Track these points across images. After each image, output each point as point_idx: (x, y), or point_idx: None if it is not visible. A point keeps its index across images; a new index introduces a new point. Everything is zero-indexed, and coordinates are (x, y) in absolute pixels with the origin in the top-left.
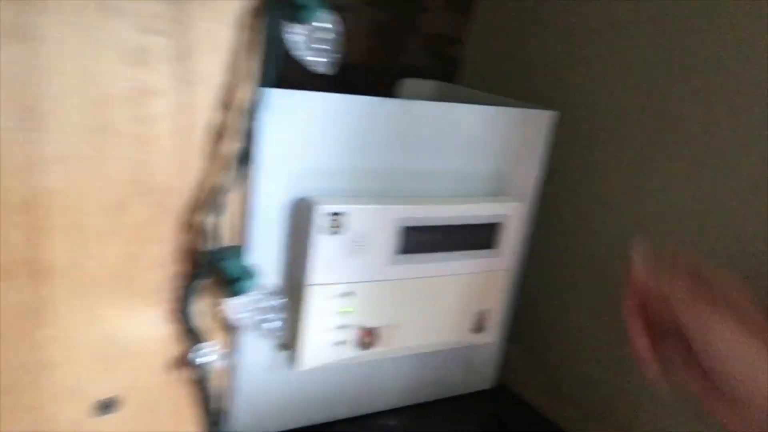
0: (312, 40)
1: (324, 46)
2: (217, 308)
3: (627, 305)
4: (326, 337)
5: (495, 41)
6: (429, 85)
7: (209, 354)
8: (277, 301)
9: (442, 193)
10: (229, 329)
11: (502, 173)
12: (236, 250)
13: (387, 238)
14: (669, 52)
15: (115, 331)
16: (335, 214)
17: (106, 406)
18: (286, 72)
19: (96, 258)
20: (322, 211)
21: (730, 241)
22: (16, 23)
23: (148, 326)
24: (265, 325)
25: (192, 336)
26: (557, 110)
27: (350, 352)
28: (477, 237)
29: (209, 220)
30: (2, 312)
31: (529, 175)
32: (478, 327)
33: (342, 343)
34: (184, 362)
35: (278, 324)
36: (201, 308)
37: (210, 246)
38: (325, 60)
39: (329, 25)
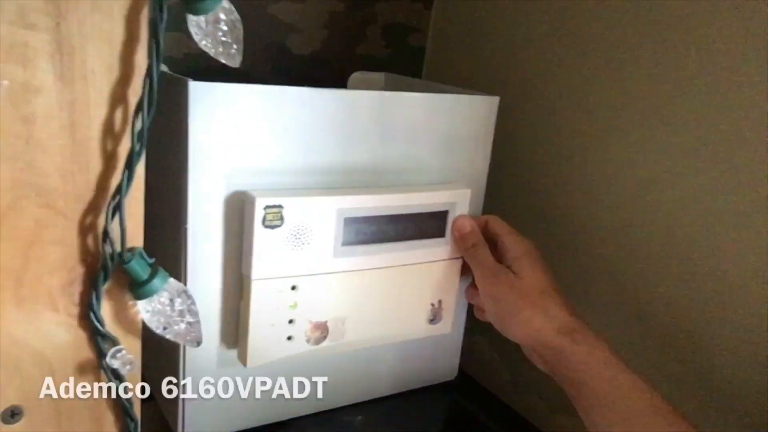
0: (214, 31)
1: (226, 38)
2: (126, 311)
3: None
4: (273, 332)
5: (455, 30)
6: (379, 77)
7: (119, 358)
8: (188, 301)
9: (387, 183)
10: (140, 332)
11: (448, 161)
12: (140, 252)
13: (330, 230)
14: (627, 38)
15: (16, 337)
16: (275, 206)
17: (13, 415)
18: (247, 67)
19: None
20: (261, 204)
21: (667, 224)
22: None
23: (54, 331)
24: (176, 327)
25: (101, 340)
26: (511, 98)
27: (300, 348)
28: (425, 226)
29: (109, 222)
30: None
31: (476, 162)
32: (435, 318)
33: (290, 338)
34: (93, 367)
35: (190, 324)
36: (109, 312)
37: (112, 248)
38: (230, 51)
39: (231, 16)
